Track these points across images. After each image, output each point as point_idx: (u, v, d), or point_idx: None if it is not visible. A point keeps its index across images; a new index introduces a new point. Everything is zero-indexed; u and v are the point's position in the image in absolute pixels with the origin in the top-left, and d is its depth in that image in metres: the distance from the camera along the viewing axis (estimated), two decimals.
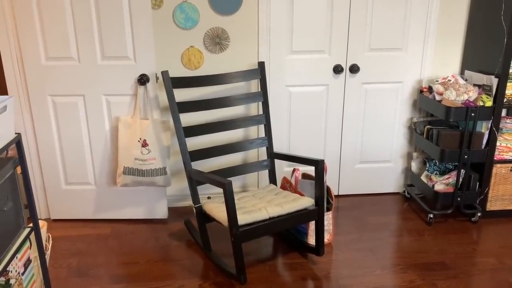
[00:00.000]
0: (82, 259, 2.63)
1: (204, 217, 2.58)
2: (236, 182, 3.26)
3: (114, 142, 2.89)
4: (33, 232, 1.90)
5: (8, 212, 1.70)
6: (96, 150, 2.91)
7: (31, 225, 1.90)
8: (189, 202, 3.25)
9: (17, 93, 2.81)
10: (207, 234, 2.65)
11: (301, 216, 2.41)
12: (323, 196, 2.47)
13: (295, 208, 2.40)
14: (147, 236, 2.89)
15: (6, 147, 1.69)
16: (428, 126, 3.06)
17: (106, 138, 2.89)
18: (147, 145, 2.73)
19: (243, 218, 2.27)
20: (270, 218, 2.34)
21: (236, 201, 2.58)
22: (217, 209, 2.44)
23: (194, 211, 2.60)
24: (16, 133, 1.78)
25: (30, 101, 2.82)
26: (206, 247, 2.66)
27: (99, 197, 3.01)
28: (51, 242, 2.21)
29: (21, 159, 1.80)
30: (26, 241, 1.85)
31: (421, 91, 3.14)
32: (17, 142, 1.78)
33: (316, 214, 2.45)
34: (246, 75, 2.84)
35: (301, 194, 2.62)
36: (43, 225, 2.09)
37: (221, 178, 2.25)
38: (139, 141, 2.73)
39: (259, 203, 2.51)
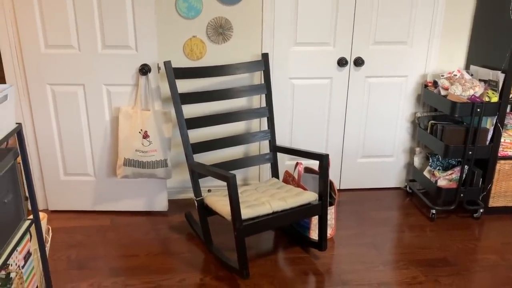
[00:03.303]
0: (81, 251, 2.60)
1: (206, 210, 2.55)
2: (237, 175, 3.21)
3: (114, 133, 2.84)
4: (33, 225, 1.86)
5: (8, 204, 1.66)
6: (95, 140, 2.86)
7: (31, 217, 1.85)
8: (189, 195, 3.21)
9: (15, 81, 2.75)
10: (208, 228, 2.62)
11: (305, 211, 2.39)
12: (327, 191, 2.44)
13: (298, 202, 2.37)
14: (147, 229, 2.85)
15: (7, 138, 1.64)
16: (432, 121, 3.03)
17: (106, 128, 2.84)
18: (148, 136, 2.69)
19: (246, 212, 2.23)
20: (273, 213, 2.31)
21: (238, 195, 2.54)
22: (219, 203, 2.40)
23: (196, 204, 2.56)
24: (16, 123, 1.73)
25: (28, 90, 2.75)
26: (207, 241, 2.63)
27: (99, 189, 2.97)
28: (50, 234, 2.17)
29: (21, 149, 1.76)
30: (26, 233, 1.81)
31: (426, 86, 3.10)
32: (18, 132, 1.73)
33: (319, 209, 2.43)
34: (249, 66, 2.79)
35: (304, 188, 2.59)
36: (43, 217, 2.05)
37: (225, 171, 2.22)
38: (140, 132, 2.68)
39: (262, 197, 2.48)
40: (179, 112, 2.54)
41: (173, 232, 2.82)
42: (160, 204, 3.03)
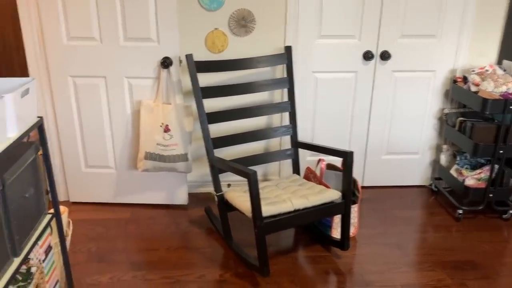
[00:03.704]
0: (102, 244, 2.60)
1: (226, 206, 2.52)
2: (257, 170, 3.17)
3: (136, 126, 2.82)
4: (54, 219, 1.85)
5: (29, 198, 1.65)
6: (117, 133, 2.86)
7: (52, 211, 1.85)
8: (209, 189, 3.19)
9: (38, 73, 2.75)
10: (228, 223, 2.59)
11: (328, 209, 2.33)
12: (350, 189, 2.37)
13: (321, 200, 2.32)
14: (167, 222, 2.84)
15: (29, 132, 1.63)
16: (461, 118, 2.92)
17: (127, 121, 2.82)
18: (169, 130, 2.66)
19: (267, 210, 2.19)
20: (295, 210, 2.26)
21: (259, 192, 2.49)
22: (239, 199, 2.37)
23: (216, 199, 2.53)
24: (38, 117, 1.72)
25: (50, 82, 2.76)
26: (227, 236, 2.60)
27: (119, 181, 2.97)
28: (71, 227, 2.17)
29: (43, 143, 1.74)
30: (47, 227, 1.80)
31: (455, 81, 2.98)
32: (39, 126, 1.72)
33: (343, 207, 2.36)
34: (272, 60, 2.73)
35: (326, 186, 2.52)
36: (63, 210, 2.05)
37: (246, 168, 2.17)
38: (161, 126, 2.66)
39: (283, 194, 2.43)
40: (200, 106, 2.50)
41: (193, 226, 2.80)
42: (180, 197, 3.01)
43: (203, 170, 3.16)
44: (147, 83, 2.73)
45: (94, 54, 2.68)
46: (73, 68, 2.72)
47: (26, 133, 1.59)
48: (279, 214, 2.22)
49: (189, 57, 2.48)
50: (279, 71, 2.96)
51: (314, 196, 2.32)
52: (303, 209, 2.28)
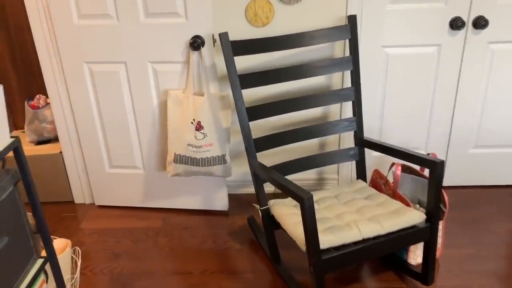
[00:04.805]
0: (127, 263, 2.20)
1: (272, 222, 2.01)
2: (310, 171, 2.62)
3: (163, 119, 2.35)
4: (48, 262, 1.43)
5: (6, 248, 1.22)
6: (143, 128, 2.40)
7: (45, 254, 1.43)
8: (252, 190, 2.69)
9: (49, 60, 2.33)
10: (275, 242, 2.09)
11: (407, 237, 1.76)
12: (438, 209, 1.78)
13: (399, 225, 1.74)
14: (204, 234, 2.39)
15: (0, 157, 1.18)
16: None
17: (154, 114, 2.35)
18: (202, 128, 2.16)
19: (326, 240, 1.66)
20: (363, 240, 1.71)
21: (316, 221, 1.95)
22: (289, 219, 1.85)
23: (260, 214, 2.03)
24: (12, 137, 1.26)
25: (64, 70, 2.32)
26: (274, 258, 2.11)
27: (149, 183, 2.54)
28: (80, 259, 1.76)
29: (22, 170, 1.29)
30: (39, 275, 1.38)
31: None
32: (15, 148, 1.26)
33: (427, 233, 1.78)
34: (331, 34, 2.11)
35: (403, 200, 1.94)
36: (65, 244, 1.62)
37: (299, 188, 1.63)
38: (192, 122, 2.16)
39: (346, 212, 1.87)
40: (238, 99, 1.96)
41: (233, 241, 2.33)
42: (219, 202, 2.55)
43: (244, 169, 2.66)
44: (174, 69, 2.22)
45: (111, 35, 2.20)
46: (87, 52, 2.25)
47: None
48: (343, 246, 1.68)
49: (223, 36, 1.92)
50: (338, 48, 2.34)
51: (388, 220, 1.75)
52: (374, 238, 1.72)
